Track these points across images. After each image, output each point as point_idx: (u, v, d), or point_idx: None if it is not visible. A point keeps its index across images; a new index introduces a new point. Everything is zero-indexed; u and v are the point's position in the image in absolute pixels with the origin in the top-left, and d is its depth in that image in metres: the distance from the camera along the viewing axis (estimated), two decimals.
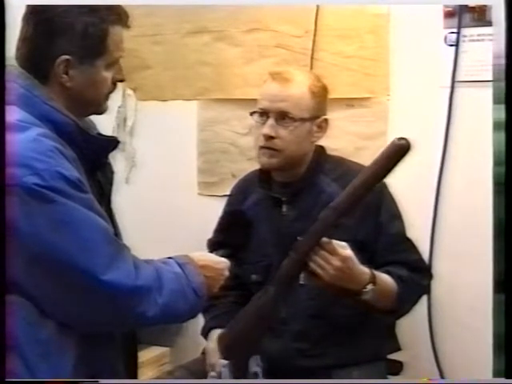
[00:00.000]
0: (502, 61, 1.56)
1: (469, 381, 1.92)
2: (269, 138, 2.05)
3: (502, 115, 1.55)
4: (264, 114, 2.07)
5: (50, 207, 1.40)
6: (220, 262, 1.71)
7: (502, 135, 1.55)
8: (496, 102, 1.65)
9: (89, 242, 1.43)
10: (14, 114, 1.47)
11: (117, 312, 1.48)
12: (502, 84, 1.56)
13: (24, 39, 1.55)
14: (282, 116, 2.05)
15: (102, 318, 1.49)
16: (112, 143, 1.63)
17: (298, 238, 1.86)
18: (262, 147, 2.08)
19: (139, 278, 1.48)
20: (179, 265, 1.58)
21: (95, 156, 1.59)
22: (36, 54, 1.54)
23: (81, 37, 1.52)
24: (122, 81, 1.64)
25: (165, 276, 1.53)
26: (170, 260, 1.60)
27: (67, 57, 1.51)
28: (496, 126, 1.64)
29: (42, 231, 1.40)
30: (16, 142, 1.42)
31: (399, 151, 1.73)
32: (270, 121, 2.05)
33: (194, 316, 1.66)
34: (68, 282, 1.43)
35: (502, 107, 1.56)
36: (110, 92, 1.62)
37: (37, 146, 1.43)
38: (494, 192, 1.59)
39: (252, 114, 2.11)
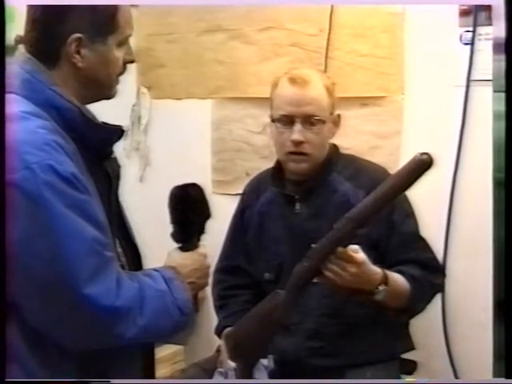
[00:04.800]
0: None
1: (469, 381, 1.91)
2: (298, 143, 2.05)
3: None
4: (287, 119, 2.07)
5: (36, 209, 1.34)
6: (200, 257, 1.62)
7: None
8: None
9: (71, 253, 1.35)
10: (14, 104, 1.42)
11: (93, 330, 1.41)
12: None
13: (33, 21, 1.49)
14: (308, 119, 2.05)
15: (79, 334, 1.42)
16: (117, 132, 1.55)
17: (313, 245, 1.83)
18: (290, 153, 2.07)
19: (119, 298, 1.40)
20: (165, 280, 1.50)
21: (99, 145, 1.53)
22: (46, 34, 1.48)
23: (92, 14, 1.47)
24: (132, 62, 1.58)
25: (148, 295, 1.46)
26: (156, 273, 1.52)
27: (79, 35, 1.45)
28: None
29: (25, 234, 1.34)
30: (14, 134, 1.37)
31: (421, 166, 1.68)
32: (298, 126, 2.04)
33: (178, 333, 1.59)
34: (47, 293, 1.37)
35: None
36: (121, 74, 1.56)
37: (33, 139, 1.38)
38: (508, 191, 1.58)
39: (274, 120, 2.10)
